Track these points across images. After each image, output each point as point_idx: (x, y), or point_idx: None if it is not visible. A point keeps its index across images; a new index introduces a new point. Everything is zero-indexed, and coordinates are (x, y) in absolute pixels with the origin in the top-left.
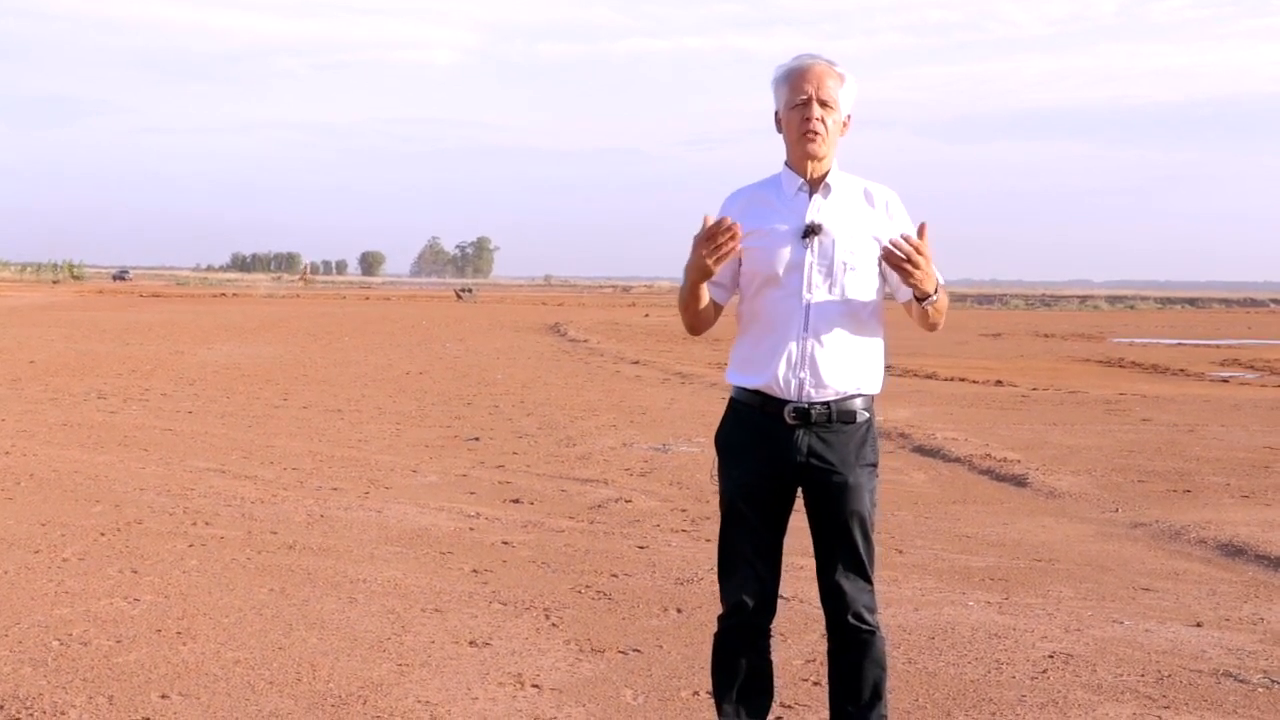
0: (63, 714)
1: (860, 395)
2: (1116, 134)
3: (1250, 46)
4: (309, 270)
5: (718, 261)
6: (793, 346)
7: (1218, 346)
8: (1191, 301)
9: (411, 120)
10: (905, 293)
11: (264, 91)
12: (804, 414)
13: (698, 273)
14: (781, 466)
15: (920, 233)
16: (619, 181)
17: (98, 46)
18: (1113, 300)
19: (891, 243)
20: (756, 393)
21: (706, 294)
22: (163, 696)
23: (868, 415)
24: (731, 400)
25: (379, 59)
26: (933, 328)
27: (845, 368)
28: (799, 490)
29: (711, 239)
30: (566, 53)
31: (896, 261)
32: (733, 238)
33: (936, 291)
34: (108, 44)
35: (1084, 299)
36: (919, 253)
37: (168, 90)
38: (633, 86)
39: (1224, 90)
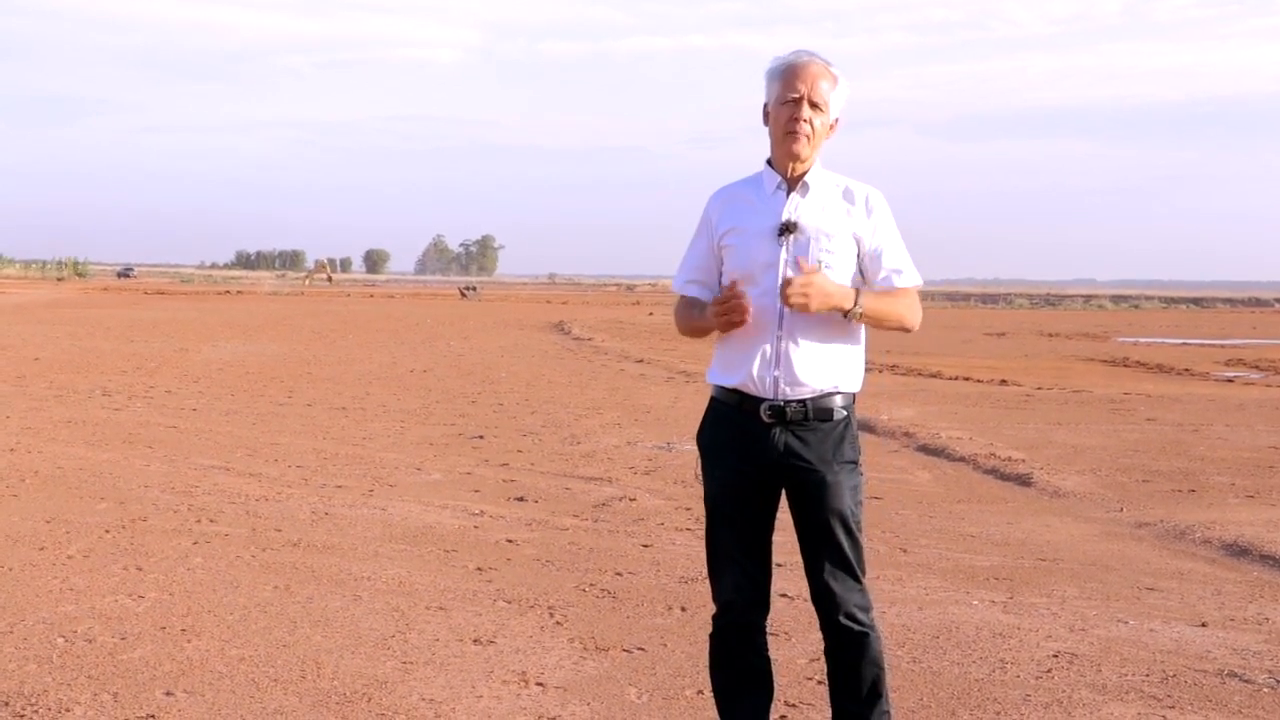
0: (67, 711)
1: (839, 393)
2: (1120, 133)
3: (1254, 46)
4: (331, 267)
5: (730, 325)
6: (768, 345)
7: (1222, 346)
8: (1196, 301)
9: (414, 118)
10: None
11: (267, 90)
12: (780, 412)
13: (713, 328)
14: (760, 465)
15: (801, 268)
16: (622, 180)
17: (100, 46)
18: (1117, 300)
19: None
20: (734, 391)
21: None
22: (167, 693)
23: (846, 413)
24: (711, 399)
25: (382, 57)
26: (900, 329)
27: (821, 365)
28: (781, 489)
29: (723, 304)
30: (569, 51)
31: (784, 293)
32: (742, 311)
33: (858, 303)
34: (110, 43)
35: (1088, 298)
36: (797, 287)
37: (171, 89)
38: (635, 85)
39: (1228, 89)
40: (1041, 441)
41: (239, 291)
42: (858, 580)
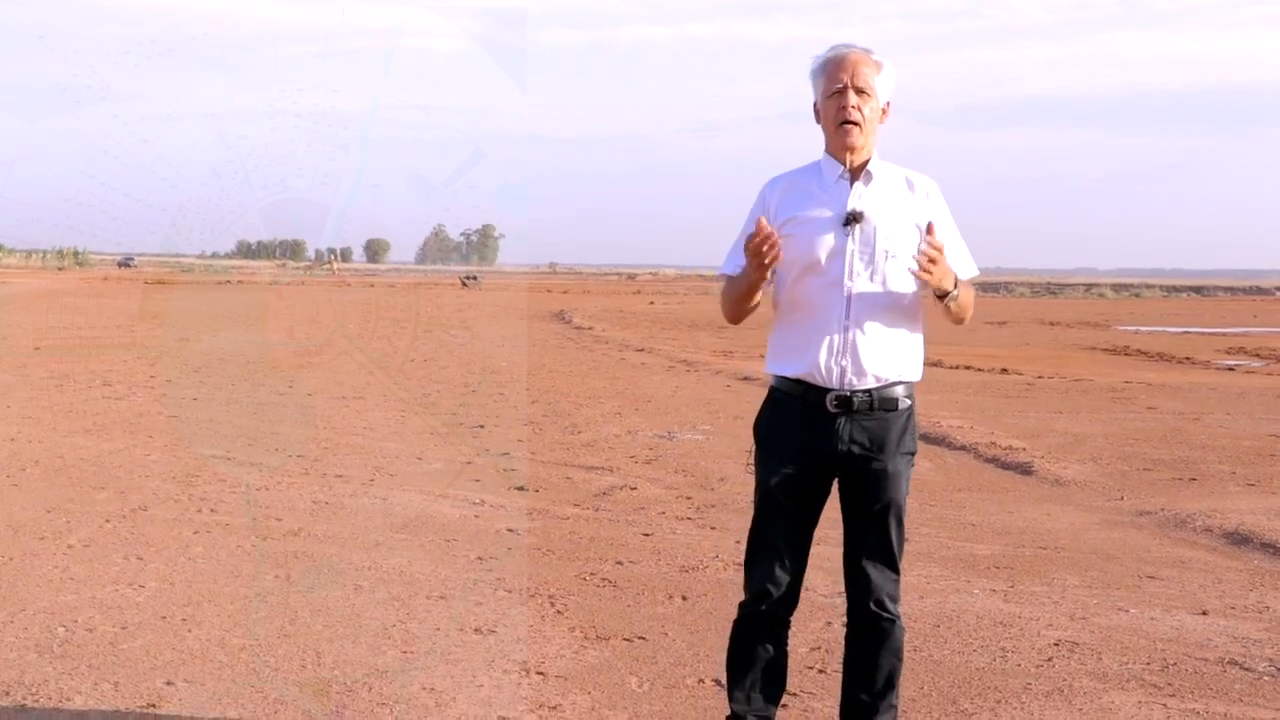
0: (69, 700)
1: (902, 383)
2: (1121, 121)
3: (1255, 35)
4: (336, 258)
5: (764, 269)
6: (834, 334)
7: (1223, 334)
8: (1197, 289)
9: (415, 107)
10: None
11: (268, 80)
12: (846, 402)
13: (752, 280)
14: (823, 455)
15: (929, 231)
16: (622, 169)
17: (102, 34)
18: (1118, 288)
19: (925, 246)
20: (798, 381)
21: (759, 294)
22: (168, 683)
23: (909, 403)
24: (771, 389)
25: (382, 46)
26: (958, 321)
27: (887, 355)
28: (834, 481)
29: (755, 252)
30: (570, 40)
31: (920, 261)
32: (773, 246)
33: (956, 287)
34: (112, 32)
35: (1089, 287)
36: (937, 249)
37: (172, 79)
38: (635, 74)
39: (1229, 78)
40: (1042, 430)
41: (239, 281)
42: (895, 570)
